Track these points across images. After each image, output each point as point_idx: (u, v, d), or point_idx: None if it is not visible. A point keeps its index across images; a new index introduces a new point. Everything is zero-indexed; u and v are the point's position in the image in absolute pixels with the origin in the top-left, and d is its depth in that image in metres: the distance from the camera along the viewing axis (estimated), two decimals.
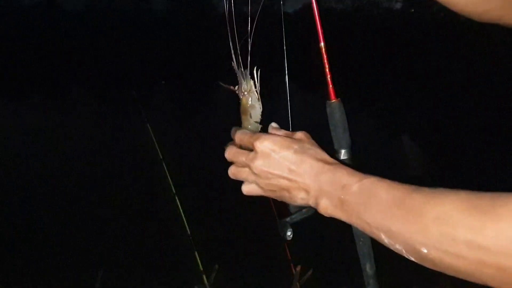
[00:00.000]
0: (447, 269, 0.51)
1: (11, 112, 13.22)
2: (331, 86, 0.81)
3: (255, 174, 0.71)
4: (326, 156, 0.69)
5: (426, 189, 0.54)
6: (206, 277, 2.27)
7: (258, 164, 0.69)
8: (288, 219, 0.78)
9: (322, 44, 0.80)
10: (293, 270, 2.51)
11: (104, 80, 20.38)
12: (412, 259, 0.54)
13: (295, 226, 0.78)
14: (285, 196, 0.71)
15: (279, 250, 2.55)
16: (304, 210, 0.79)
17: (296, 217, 0.79)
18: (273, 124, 0.79)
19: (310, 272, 2.60)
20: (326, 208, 0.64)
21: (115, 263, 3.66)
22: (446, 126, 9.23)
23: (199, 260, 2.26)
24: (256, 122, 0.83)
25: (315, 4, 0.80)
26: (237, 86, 0.83)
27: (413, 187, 0.56)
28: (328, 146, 0.77)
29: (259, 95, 0.82)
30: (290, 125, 0.82)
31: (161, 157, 2.37)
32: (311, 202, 0.67)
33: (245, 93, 0.81)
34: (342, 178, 0.63)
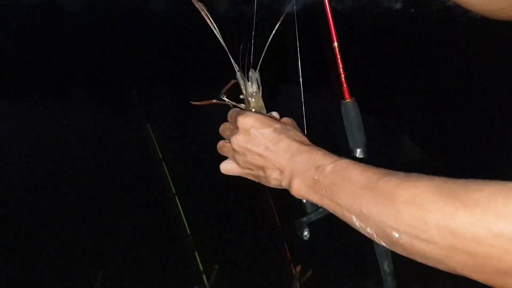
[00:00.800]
0: (417, 254, 0.50)
1: (10, 111, 13.21)
2: (345, 85, 0.82)
3: (234, 150, 0.72)
4: (305, 139, 0.69)
5: (401, 173, 0.54)
6: (206, 277, 2.28)
7: (238, 139, 0.70)
8: (304, 218, 0.78)
9: (335, 44, 0.80)
10: (293, 270, 2.51)
11: (104, 80, 20.36)
12: (383, 244, 0.53)
13: (311, 226, 0.78)
14: (261, 176, 0.71)
15: (279, 250, 2.55)
16: (320, 210, 0.79)
17: (312, 217, 0.79)
18: (273, 113, 0.80)
19: (310, 272, 2.60)
20: (299, 189, 0.64)
21: (115, 263, 3.66)
22: (446, 126, 9.23)
23: (199, 260, 2.26)
24: None
25: (328, 4, 0.80)
26: (236, 98, 0.82)
27: (387, 170, 0.55)
28: (343, 145, 0.77)
29: (262, 95, 0.81)
30: (304, 126, 0.82)
31: (161, 157, 2.38)
32: (285, 183, 0.67)
33: (253, 94, 0.80)
34: (317, 159, 0.62)
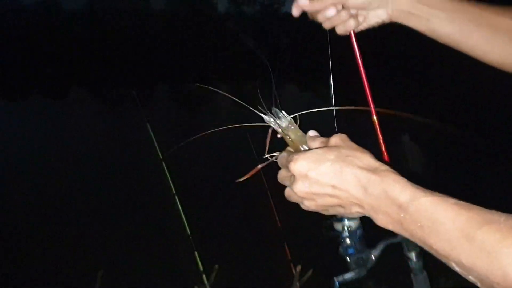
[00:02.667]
0: None
1: (11, 112, 13.22)
2: (386, 155, 0.85)
3: (300, 197, 0.67)
4: (368, 160, 0.63)
5: (499, 220, 0.49)
6: (206, 277, 2.27)
7: (299, 187, 0.65)
8: (340, 277, 0.80)
9: (374, 117, 0.84)
10: (293, 270, 2.51)
11: (104, 80, 20.37)
12: None
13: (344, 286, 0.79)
14: (340, 212, 0.67)
15: (279, 250, 2.55)
16: (357, 270, 0.81)
17: (348, 278, 0.80)
18: (310, 133, 0.75)
19: (310, 272, 2.60)
20: (386, 224, 0.60)
21: (115, 263, 3.66)
22: (447, 127, 9.21)
23: (199, 260, 2.26)
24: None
25: (366, 81, 0.83)
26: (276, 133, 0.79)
27: (481, 214, 0.51)
28: None
29: (294, 125, 0.78)
30: None
31: (161, 157, 2.37)
32: (368, 215, 0.63)
33: (289, 128, 0.78)
34: (395, 194, 0.57)
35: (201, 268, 2.27)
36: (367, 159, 0.63)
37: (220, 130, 0.81)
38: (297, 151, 0.75)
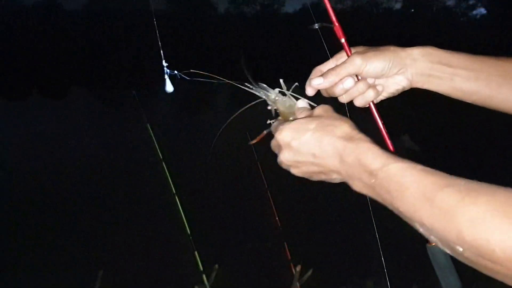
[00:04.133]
0: (483, 269, 0.49)
1: (11, 112, 13.23)
2: None
3: (287, 165, 0.72)
4: (345, 128, 0.66)
5: (459, 183, 0.51)
6: (206, 277, 2.27)
7: (285, 156, 0.70)
8: None
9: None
10: (293, 270, 2.51)
11: (104, 80, 20.37)
12: (449, 252, 0.53)
13: None
14: (323, 178, 0.71)
15: (279, 250, 2.55)
16: None
17: None
18: (299, 104, 0.79)
19: (310, 272, 2.60)
20: (361, 190, 0.63)
21: (115, 263, 3.67)
22: (446, 126, 9.23)
23: (199, 260, 2.26)
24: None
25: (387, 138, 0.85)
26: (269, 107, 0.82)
27: (445, 178, 0.53)
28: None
29: (281, 97, 0.81)
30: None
31: (161, 157, 2.37)
32: (346, 181, 0.66)
33: (276, 100, 0.81)
34: (367, 162, 0.60)
35: (201, 268, 2.27)
36: (345, 127, 0.66)
37: (223, 128, 0.84)
38: (287, 121, 0.78)
